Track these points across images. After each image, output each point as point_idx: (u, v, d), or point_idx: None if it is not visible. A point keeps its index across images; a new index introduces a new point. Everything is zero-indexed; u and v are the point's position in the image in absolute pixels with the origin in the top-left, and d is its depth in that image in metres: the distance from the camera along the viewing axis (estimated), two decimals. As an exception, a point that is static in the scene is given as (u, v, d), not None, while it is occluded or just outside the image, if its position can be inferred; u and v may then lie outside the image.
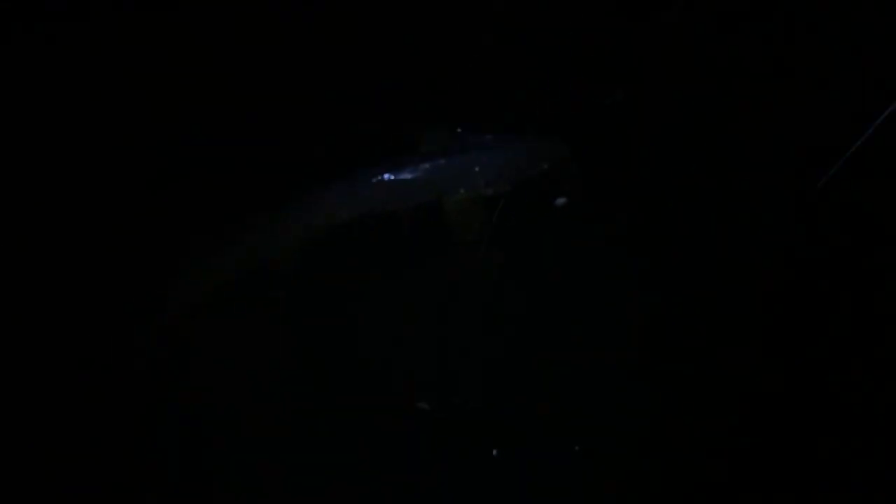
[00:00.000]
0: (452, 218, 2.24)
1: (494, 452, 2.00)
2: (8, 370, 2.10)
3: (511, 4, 2.52)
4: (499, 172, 2.26)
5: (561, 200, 2.28)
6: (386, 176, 2.22)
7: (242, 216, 2.21)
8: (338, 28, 2.48)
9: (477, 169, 2.25)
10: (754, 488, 1.99)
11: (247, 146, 2.36)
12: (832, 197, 2.25)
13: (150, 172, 2.35)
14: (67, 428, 2.07)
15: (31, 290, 2.20)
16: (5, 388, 2.08)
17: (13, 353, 2.11)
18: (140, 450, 2.07)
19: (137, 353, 2.13)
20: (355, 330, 2.20)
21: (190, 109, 2.40)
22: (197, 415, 2.10)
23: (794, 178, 2.31)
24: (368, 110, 2.40)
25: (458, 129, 2.32)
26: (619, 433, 2.06)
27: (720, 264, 2.23)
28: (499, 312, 2.22)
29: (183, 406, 2.11)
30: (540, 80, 2.46)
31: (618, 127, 2.39)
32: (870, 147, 2.25)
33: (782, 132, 2.37)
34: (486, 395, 2.11)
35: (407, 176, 2.22)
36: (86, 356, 2.11)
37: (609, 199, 2.32)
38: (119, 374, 2.10)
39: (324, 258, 2.24)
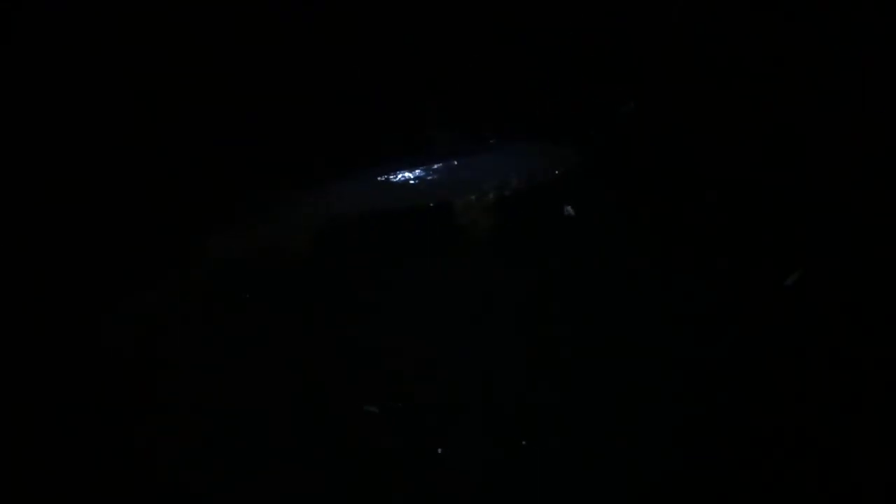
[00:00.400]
0: (462, 220, 2.24)
1: (439, 451, 2.00)
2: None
3: (515, 5, 2.53)
4: (510, 176, 2.26)
5: (569, 210, 2.28)
6: (398, 176, 2.23)
7: (248, 212, 2.22)
8: (356, 29, 2.49)
9: (488, 172, 2.26)
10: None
11: (257, 146, 2.37)
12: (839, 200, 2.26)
13: (150, 171, 2.34)
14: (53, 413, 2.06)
15: (33, 278, 2.21)
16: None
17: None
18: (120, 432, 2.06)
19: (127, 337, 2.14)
20: (349, 326, 2.18)
21: (191, 109, 2.40)
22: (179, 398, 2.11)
23: (797, 178, 2.31)
24: (381, 111, 2.41)
25: (471, 132, 2.32)
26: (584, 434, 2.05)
27: (729, 268, 2.22)
28: (496, 314, 2.21)
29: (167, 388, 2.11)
30: (550, 84, 2.46)
31: (624, 132, 2.39)
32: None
33: (782, 132, 2.37)
34: (464, 394, 2.09)
35: (419, 177, 2.23)
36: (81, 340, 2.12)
37: (617, 202, 2.32)
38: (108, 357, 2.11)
39: (332, 253, 2.24)
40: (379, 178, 2.24)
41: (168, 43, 2.46)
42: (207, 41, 2.47)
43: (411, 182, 2.23)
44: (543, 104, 2.43)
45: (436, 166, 2.24)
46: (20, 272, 2.20)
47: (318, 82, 2.46)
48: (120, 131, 2.39)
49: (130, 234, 2.25)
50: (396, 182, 2.23)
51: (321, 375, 2.12)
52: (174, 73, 2.44)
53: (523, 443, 2.01)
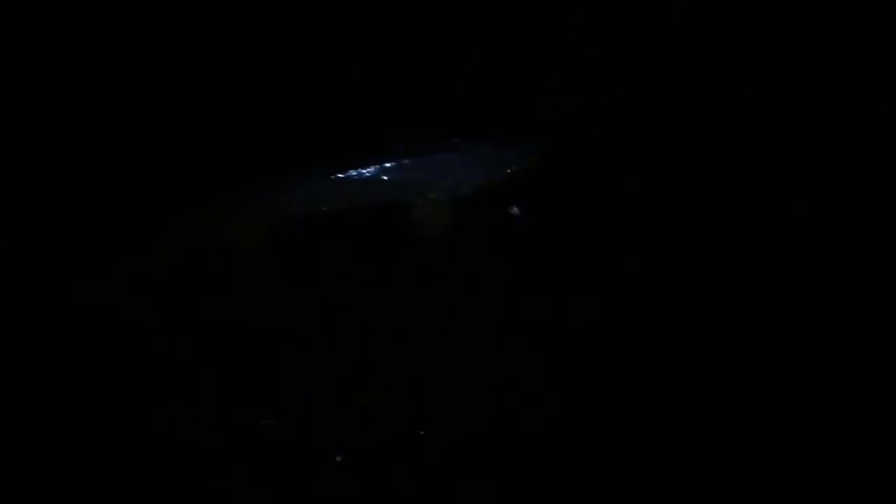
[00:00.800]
0: (418, 219, 2.24)
1: (338, 458, 1.99)
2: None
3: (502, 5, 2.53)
4: (465, 176, 2.27)
5: (515, 210, 2.28)
6: (352, 174, 2.23)
7: (200, 206, 2.22)
8: (306, 32, 2.49)
9: (444, 171, 2.26)
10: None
11: (211, 141, 2.36)
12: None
13: (104, 163, 2.34)
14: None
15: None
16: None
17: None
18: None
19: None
20: (294, 323, 2.16)
21: (149, 106, 2.40)
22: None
23: (792, 178, 2.31)
24: (336, 110, 2.40)
25: (428, 132, 2.31)
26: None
27: (689, 274, 2.21)
28: (445, 315, 2.18)
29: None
30: (521, 83, 2.46)
31: (592, 131, 2.39)
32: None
33: (781, 132, 2.37)
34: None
35: (373, 175, 2.24)
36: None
37: (575, 204, 2.31)
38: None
39: (284, 251, 2.23)
40: (332, 177, 2.24)
41: (130, 40, 2.46)
42: (170, 38, 2.47)
43: (365, 181, 2.23)
44: (515, 105, 2.43)
45: (393, 165, 2.24)
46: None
47: (275, 81, 2.46)
48: (82, 126, 2.38)
49: (84, 225, 2.23)
50: (350, 180, 2.23)
51: (254, 375, 2.09)
52: (143, 72, 2.44)
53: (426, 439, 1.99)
